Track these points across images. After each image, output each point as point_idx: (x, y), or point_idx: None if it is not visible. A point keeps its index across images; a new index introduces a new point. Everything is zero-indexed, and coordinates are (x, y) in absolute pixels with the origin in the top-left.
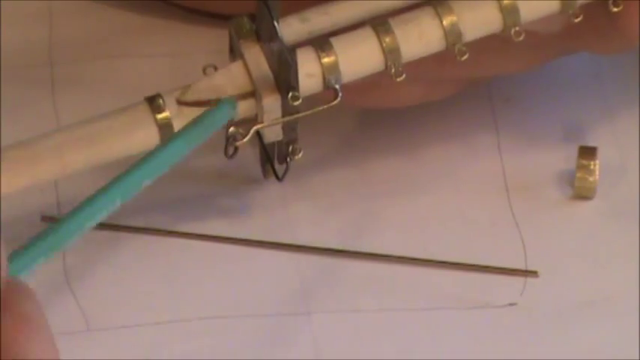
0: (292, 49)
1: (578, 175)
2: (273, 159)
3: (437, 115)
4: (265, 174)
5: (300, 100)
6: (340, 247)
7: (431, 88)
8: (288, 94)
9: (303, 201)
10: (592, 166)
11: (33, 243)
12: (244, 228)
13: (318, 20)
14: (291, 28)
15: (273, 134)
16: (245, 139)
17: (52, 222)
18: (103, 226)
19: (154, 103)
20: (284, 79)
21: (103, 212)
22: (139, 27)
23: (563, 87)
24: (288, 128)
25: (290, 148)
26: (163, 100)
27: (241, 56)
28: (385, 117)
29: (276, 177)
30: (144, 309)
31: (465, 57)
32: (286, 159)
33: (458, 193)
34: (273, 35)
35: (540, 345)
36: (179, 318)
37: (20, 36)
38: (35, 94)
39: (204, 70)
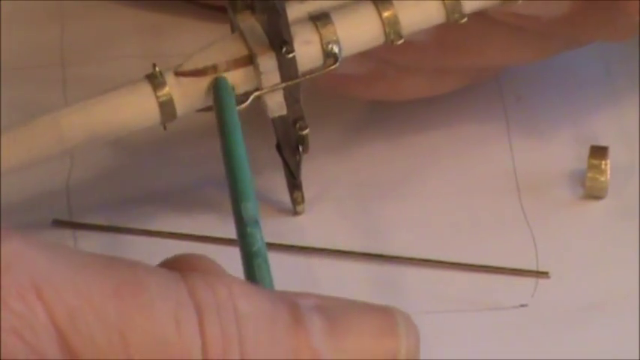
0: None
1: (589, 174)
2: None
3: (447, 114)
4: (295, 205)
5: (294, 54)
6: (349, 249)
7: (436, 79)
8: (282, 49)
9: (312, 203)
10: (603, 166)
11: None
12: None
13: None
14: (290, 9)
15: (276, 105)
16: (245, 104)
17: (62, 226)
18: (104, 228)
19: (152, 77)
20: (276, 33)
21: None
22: (151, 26)
23: (575, 86)
24: (291, 100)
25: (297, 125)
26: (161, 74)
27: (237, 27)
28: (394, 116)
29: (293, 176)
30: None
31: (464, 20)
32: (297, 147)
33: (468, 193)
34: None
35: (552, 347)
36: None
37: (32, 37)
38: (47, 94)
39: None
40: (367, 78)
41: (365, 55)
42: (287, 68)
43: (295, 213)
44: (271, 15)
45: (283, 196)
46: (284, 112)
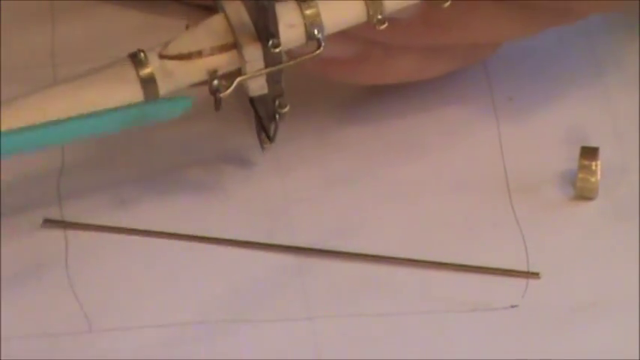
0: None
1: (580, 175)
2: (266, 122)
3: (438, 115)
4: (262, 144)
5: (281, 48)
6: (341, 249)
7: (425, 61)
8: (268, 42)
9: (303, 202)
10: (594, 167)
11: None
12: (245, 230)
13: None
14: None
15: (257, 86)
16: (228, 91)
17: (54, 225)
18: (96, 227)
19: (136, 58)
20: (263, 26)
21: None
22: (142, 26)
23: (565, 87)
24: (273, 81)
25: (276, 102)
26: (145, 55)
27: (222, 10)
28: (386, 116)
29: (268, 137)
30: (146, 311)
31: (448, 3)
32: (274, 116)
33: (459, 194)
34: None
35: (542, 347)
36: (180, 320)
37: (22, 36)
38: None
39: (187, 28)
40: (354, 61)
41: (350, 36)
42: (272, 57)
43: (263, 148)
44: (259, 10)
45: (273, 192)
46: (265, 91)
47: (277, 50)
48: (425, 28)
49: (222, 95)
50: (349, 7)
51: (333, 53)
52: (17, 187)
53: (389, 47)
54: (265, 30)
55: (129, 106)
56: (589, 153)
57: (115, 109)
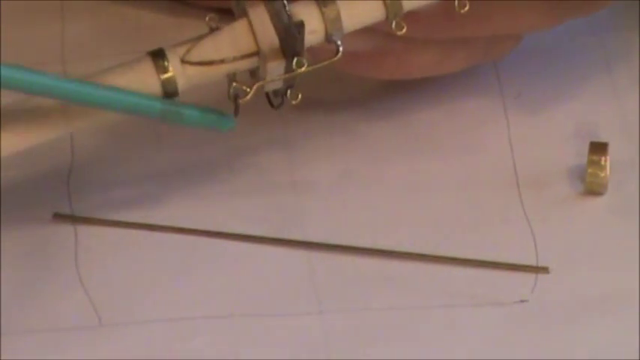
0: (300, 24)
1: (589, 170)
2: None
3: (447, 111)
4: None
5: (306, 66)
6: (351, 244)
7: (445, 55)
8: (293, 59)
9: (314, 197)
10: (603, 162)
11: None
12: (255, 225)
13: None
14: None
15: (273, 85)
16: (248, 97)
17: (63, 220)
18: (115, 223)
19: (157, 62)
20: (290, 46)
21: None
22: (151, 25)
23: (574, 82)
24: (288, 80)
25: (288, 92)
26: (167, 60)
27: (245, 14)
28: (396, 112)
29: (271, 105)
30: (155, 305)
31: (466, 9)
32: (282, 97)
33: (468, 189)
34: (281, 9)
35: (552, 342)
36: (190, 315)
37: (32, 34)
38: None
39: (207, 21)
40: (374, 55)
41: (370, 31)
42: (292, 68)
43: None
44: (288, 36)
45: (284, 187)
46: (279, 87)
47: (302, 70)
48: (446, 20)
49: (241, 101)
50: (368, 7)
51: (353, 47)
52: (27, 181)
53: (409, 41)
54: (292, 50)
55: (170, 103)
56: (598, 148)
57: (152, 99)
